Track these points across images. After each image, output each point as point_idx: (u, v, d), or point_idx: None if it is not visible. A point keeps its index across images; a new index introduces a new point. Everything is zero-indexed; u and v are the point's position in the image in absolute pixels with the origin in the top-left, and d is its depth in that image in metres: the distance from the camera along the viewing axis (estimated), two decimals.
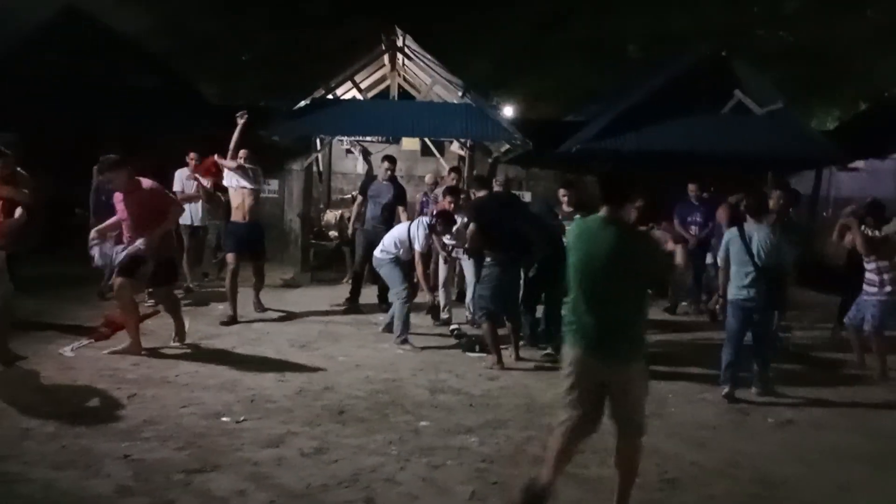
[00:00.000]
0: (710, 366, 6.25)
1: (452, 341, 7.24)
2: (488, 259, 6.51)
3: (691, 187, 9.50)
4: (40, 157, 7.51)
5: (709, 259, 8.75)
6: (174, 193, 8.93)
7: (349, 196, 11.79)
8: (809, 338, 8.08)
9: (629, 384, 3.52)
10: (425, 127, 11.28)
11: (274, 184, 12.61)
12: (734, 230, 5.97)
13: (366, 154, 12.02)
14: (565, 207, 6.93)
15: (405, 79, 13.47)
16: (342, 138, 12.59)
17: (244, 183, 7.55)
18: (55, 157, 9.86)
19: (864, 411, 5.69)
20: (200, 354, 6.36)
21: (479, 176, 7.78)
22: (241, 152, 7.56)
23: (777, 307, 6.20)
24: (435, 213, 7.50)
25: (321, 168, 13.23)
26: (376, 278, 8.87)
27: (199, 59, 19.92)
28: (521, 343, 6.80)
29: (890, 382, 6.42)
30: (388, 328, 7.29)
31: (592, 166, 10.30)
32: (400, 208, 8.78)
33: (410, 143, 13.13)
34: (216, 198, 9.11)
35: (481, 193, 6.90)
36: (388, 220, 8.59)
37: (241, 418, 4.79)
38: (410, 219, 8.02)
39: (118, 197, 6.08)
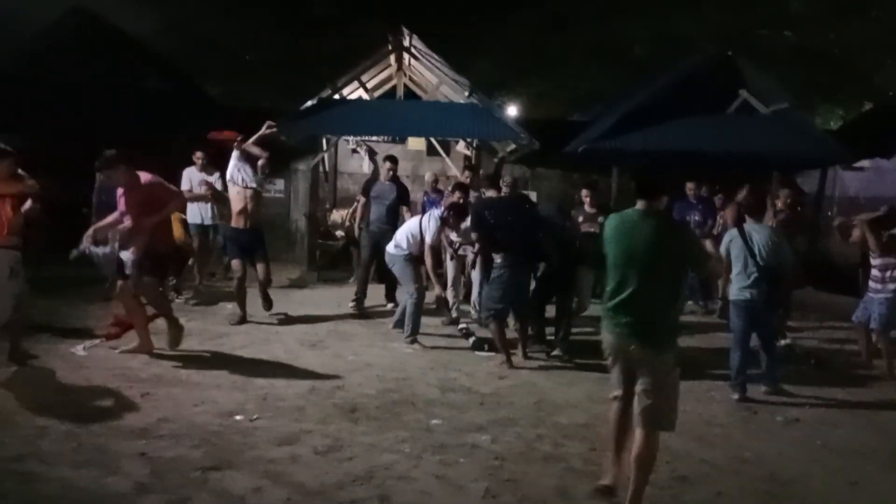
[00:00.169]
0: (718, 365, 6.29)
1: (461, 340, 7.28)
2: (497, 260, 6.54)
3: (689, 186, 9.65)
4: (47, 158, 7.54)
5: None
6: (188, 191, 9.03)
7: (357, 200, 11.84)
8: (816, 337, 8.11)
9: (657, 372, 3.63)
10: (431, 127, 11.31)
11: (280, 183, 12.67)
12: (734, 231, 5.99)
13: (371, 154, 12.05)
14: (587, 208, 6.95)
15: (411, 79, 13.51)
16: (348, 138, 12.63)
17: (249, 181, 7.45)
18: (62, 157, 9.90)
19: (872, 409, 5.71)
20: (211, 353, 6.41)
21: (490, 175, 7.80)
22: (265, 156, 7.57)
23: (780, 307, 6.22)
24: (448, 205, 7.54)
25: (327, 168, 13.27)
26: (382, 277, 8.94)
27: (203, 59, 19.98)
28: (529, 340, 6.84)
29: None
30: (399, 324, 7.32)
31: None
32: (403, 208, 8.81)
33: (416, 143, 13.16)
34: (225, 197, 9.13)
35: (490, 193, 6.92)
36: (393, 221, 8.63)
37: (254, 417, 4.83)
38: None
39: (120, 192, 6.05)
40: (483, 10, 20.44)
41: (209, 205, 9.06)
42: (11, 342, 5.71)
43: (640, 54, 21.04)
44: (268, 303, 7.95)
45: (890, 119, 14.08)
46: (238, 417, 4.81)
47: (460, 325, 7.64)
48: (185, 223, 8.78)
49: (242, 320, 7.56)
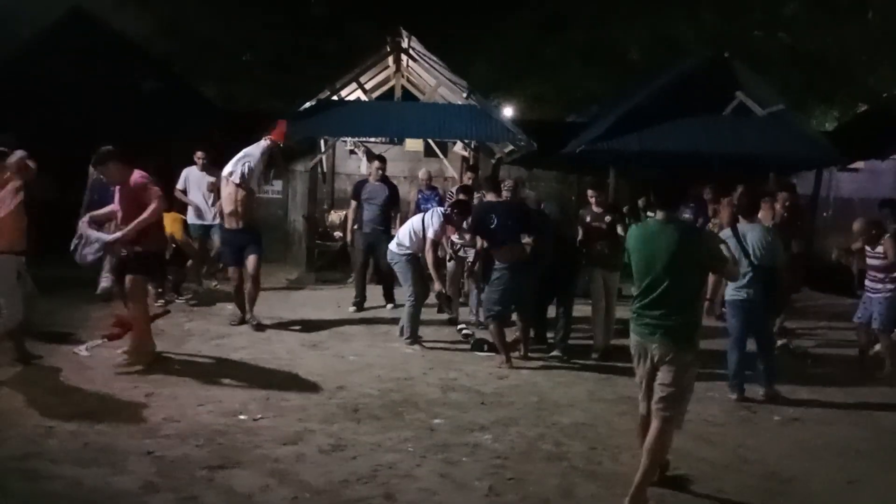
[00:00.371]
0: (716, 364, 6.31)
1: (461, 341, 7.31)
2: (498, 263, 6.58)
3: None
4: (46, 159, 7.53)
5: None
6: (181, 191, 9.05)
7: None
8: (813, 337, 8.17)
9: (677, 368, 3.86)
10: (429, 128, 11.33)
11: (278, 185, 12.67)
12: (728, 231, 6.03)
13: (370, 155, 12.09)
14: (594, 208, 7.00)
15: (409, 80, 13.53)
16: (346, 139, 12.65)
17: (245, 177, 7.25)
18: (61, 158, 9.90)
19: (870, 409, 5.76)
20: (213, 354, 6.44)
21: (490, 178, 7.82)
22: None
23: (774, 306, 6.27)
24: (452, 203, 7.57)
25: (325, 169, 13.29)
26: (380, 278, 8.97)
27: (200, 60, 19.95)
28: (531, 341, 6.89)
29: None
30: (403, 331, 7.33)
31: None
32: (392, 212, 8.85)
33: (414, 144, 13.17)
34: None
35: (490, 196, 6.95)
36: (386, 222, 8.67)
37: (258, 416, 4.87)
38: (403, 220, 8.12)
39: (115, 188, 5.98)
40: (481, 13, 20.47)
41: (209, 204, 9.05)
42: (15, 342, 5.74)
43: (637, 57, 21.11)
44: (253, 320, 7.50)
45: (884, 121, 14.14)
46: (242, 417, 4.85)
47: (460, 326, 7.68)
48: (185, 223, 8.80)
49: (242, 321, 7.58)
